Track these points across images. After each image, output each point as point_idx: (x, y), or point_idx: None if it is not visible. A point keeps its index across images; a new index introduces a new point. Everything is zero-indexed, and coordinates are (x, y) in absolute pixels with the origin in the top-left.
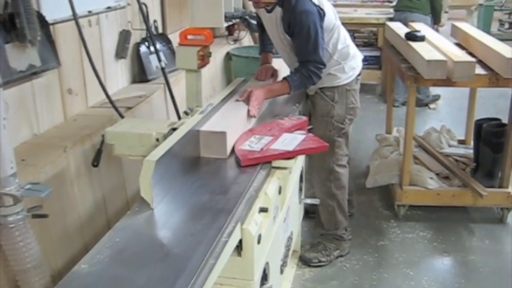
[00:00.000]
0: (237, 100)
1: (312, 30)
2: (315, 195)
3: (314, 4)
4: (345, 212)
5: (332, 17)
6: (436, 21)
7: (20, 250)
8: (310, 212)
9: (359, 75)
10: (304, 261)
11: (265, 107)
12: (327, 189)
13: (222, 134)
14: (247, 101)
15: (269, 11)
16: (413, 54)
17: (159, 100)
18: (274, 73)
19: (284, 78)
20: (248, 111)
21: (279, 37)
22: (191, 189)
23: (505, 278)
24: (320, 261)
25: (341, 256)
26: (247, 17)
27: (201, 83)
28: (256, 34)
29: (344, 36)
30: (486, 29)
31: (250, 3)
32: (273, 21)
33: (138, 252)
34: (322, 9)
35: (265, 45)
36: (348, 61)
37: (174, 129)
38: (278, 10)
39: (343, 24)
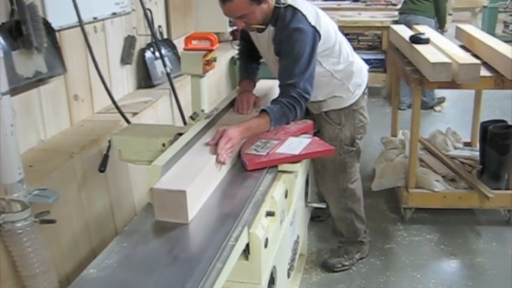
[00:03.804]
0: (207, 144)
1: (302, 51)
2: (322, 199)
3: (310, 24)
4: (363, 220)
5: (332, 33)
6: (440, 26)
7: (28, 256)
8: (315, 217)
9: (366, 88)
10: (327, 268)
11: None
12: (342, 206)
13: (181, 194)
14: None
15: (260, 31)
16: (418, 56)
17: (165, 105)
18: (256, 101)
19: (263, 110)
20: (217, 155)
21: (272, 59)
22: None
23: None
24: (344, 266)
25: (362, 258)
26: None
27: (206, 88)
28: None
29: (347, 52)
30: (491, 31)
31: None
32: (265, 41)
33: (146, 257)
34: (318, 32)
35: (248, 73)
36: (352, 79)
37: (180, 134)
38: (270, 29)
39: (343, 29)
